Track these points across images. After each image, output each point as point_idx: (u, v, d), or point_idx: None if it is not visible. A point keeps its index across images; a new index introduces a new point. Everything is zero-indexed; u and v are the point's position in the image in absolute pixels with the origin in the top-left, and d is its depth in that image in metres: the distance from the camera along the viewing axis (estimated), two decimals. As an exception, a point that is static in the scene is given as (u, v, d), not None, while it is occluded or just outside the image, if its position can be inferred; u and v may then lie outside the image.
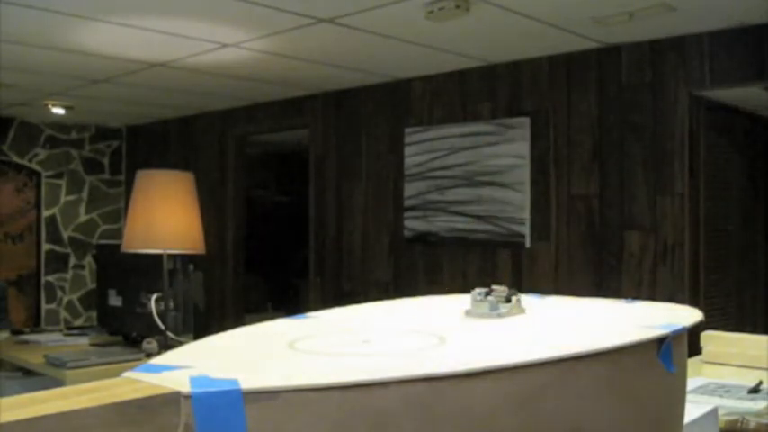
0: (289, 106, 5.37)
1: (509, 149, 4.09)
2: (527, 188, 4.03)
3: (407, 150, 4.59)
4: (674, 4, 3.05)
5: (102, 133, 6.75)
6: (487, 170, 4.19)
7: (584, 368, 0.48)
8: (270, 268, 7.62)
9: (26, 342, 4.17)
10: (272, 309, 7.44)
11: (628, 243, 3.68)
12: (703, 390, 1.35)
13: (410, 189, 4.57)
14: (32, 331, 4.86)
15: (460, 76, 4.36)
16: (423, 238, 4.52)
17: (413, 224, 4.57)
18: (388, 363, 0.50)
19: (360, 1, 3.05)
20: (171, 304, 3.68)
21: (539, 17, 3.27)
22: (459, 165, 4.32)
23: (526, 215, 4.04)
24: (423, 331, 0.60)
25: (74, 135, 6.57)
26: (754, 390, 1.33)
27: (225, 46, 3.78)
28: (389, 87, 4.73)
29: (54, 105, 5.53)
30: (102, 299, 4.36)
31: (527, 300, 0.71)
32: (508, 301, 0.65)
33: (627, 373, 0.52)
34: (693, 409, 1.03)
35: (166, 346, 3.42)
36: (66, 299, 6.46)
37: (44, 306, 6.34)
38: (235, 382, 0.43)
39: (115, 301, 4.18)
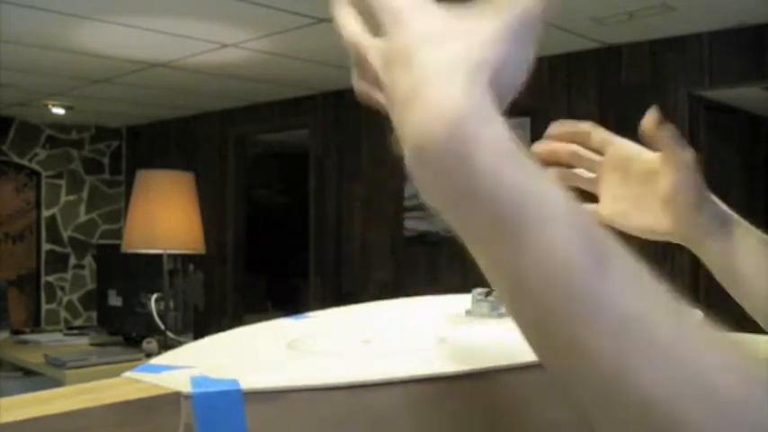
0: (289, 106, 5.37)
1: (509, 149, 4.09)
2: (527, 188, 4.03)
3: (407, 150, 4.59)
4: (674, 4, 3.05)
5: (102, 133, 6.75)
6: (487, 170, 4.19)
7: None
8: (270, 268, 7.62)
9: (26, 342, 4.17)
10: (272, 309, 7.44)
11: (627, 243, 3.68)
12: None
13: (410, 189, 4.58)
14: (32, 331, 4.86)
15: (460, 76, 4.36)
16: (423, 238, 4.52)
17: (413, 224, 4.56)
18: (388, 363, 0.50)
19: (360, 1, 3.05)
20: (171, 304, 3.68)
21: (539, 17, 3.27)
22: (459, 165, 4.32)
23: (526, 215, 4.04)
24: (423, 331, 0.60)
25: (74, 135, 6.57)
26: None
27: (225, 46, 3.78)
28: (389, 87, 4.73)
29: (54, 105, 5.53)
30: (102, 299, 4.36)
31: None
32: (508, 301, 0.65)
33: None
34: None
35: (166, 346, 3.42)
36: (66, 299, 6.46)
37: (44, 306, 6.33)
38: (235, 382, 0.43)
39: (115, 301, 4.18)
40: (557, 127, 0.73)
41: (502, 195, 0.35)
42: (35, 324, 6.12)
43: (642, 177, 0.72)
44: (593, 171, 0.74)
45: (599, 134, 0.74)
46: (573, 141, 0.74)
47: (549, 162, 0.73)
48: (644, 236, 0.72)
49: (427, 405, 0.44)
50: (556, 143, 0.73)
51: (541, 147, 0.73)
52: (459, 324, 0.64)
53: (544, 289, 0.34)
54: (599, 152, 0.74)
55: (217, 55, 3.95)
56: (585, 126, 0.74)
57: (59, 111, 5.67)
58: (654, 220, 0.70)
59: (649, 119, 0.68)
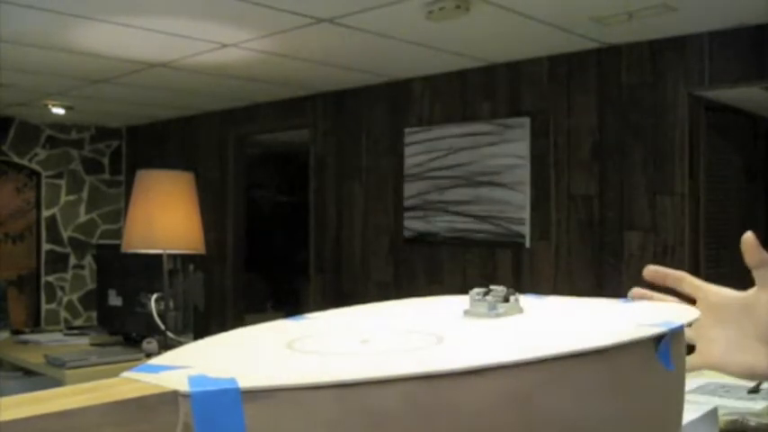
0: (289, 106, 5.37)
1: (509, 149, 4.09)
2: (527, 188, 4.03)
3: (407, 150, 4.59)
4: (674, 4, 3.05)
5: (102, 133, 6.75)
6: (487, 170, 4.19)
7: (580, 366, 0.48)
8: (270, 268, 7.62)
9: (26, 342, 4.17)
10: (272, 309, 7.44)
11: (628, 243, 3.68)
12: (703, 390, 1.35)
13: (410, 189, 4.58)
14: (32, 331, 4.86)
15: (460, 76, 4.36)
16: (423, 238, 4.52)
17: (413, 224, 4.57)
18: (386, 362, 0.51)
19: (360, 1, 3.05)
20: (171, 304, 3.68)
21: (539, 17, 3.27)
22: (459, 165, 4.32)
23: (526, 215, 4.04)
24: (421, 331, 0.60)
25: (74, 135, 6.57)
26: (754, 390, 1.33)
27: (225, 46, 3.78)
28: (389, 87, 4.73)
29: (54, 105, 5.53)
30: (102, 299, 4.36)
31: (525, 300, 0.71)
32: (506, 300, 0.65)
33: (624, 371, 0.52)
34: (693, 409, 1.03)
35: (166, 346, 3.42)
36: (66, 299, 6.47)
37: (44, 306, 6.34)
38: (233, 381, 0.43)
39: (115, 301, 4.19)
40: (651, 271, 0.77)
41: None
42: (35, 324, 6.12)
43: (736, 317, 0.74)
44: None
45: (690, 281, 0.78)
46: (665, 285, 0.77)
47: None
48: (744, 377, 0.73)
49: (425, 404, 0.44)
50: (650, 291, 0.76)
51: (638, 293, 0.76)
52: (457, 324, 0.64)
53: None
54: (691, 298, 0.77)
55: (217, 55, 3.95)
56: (678, 273, 0.78)
57: (59, 111, 5.67)
58: (753, 358, 0.71)
59: (747, 242, 0.71)
